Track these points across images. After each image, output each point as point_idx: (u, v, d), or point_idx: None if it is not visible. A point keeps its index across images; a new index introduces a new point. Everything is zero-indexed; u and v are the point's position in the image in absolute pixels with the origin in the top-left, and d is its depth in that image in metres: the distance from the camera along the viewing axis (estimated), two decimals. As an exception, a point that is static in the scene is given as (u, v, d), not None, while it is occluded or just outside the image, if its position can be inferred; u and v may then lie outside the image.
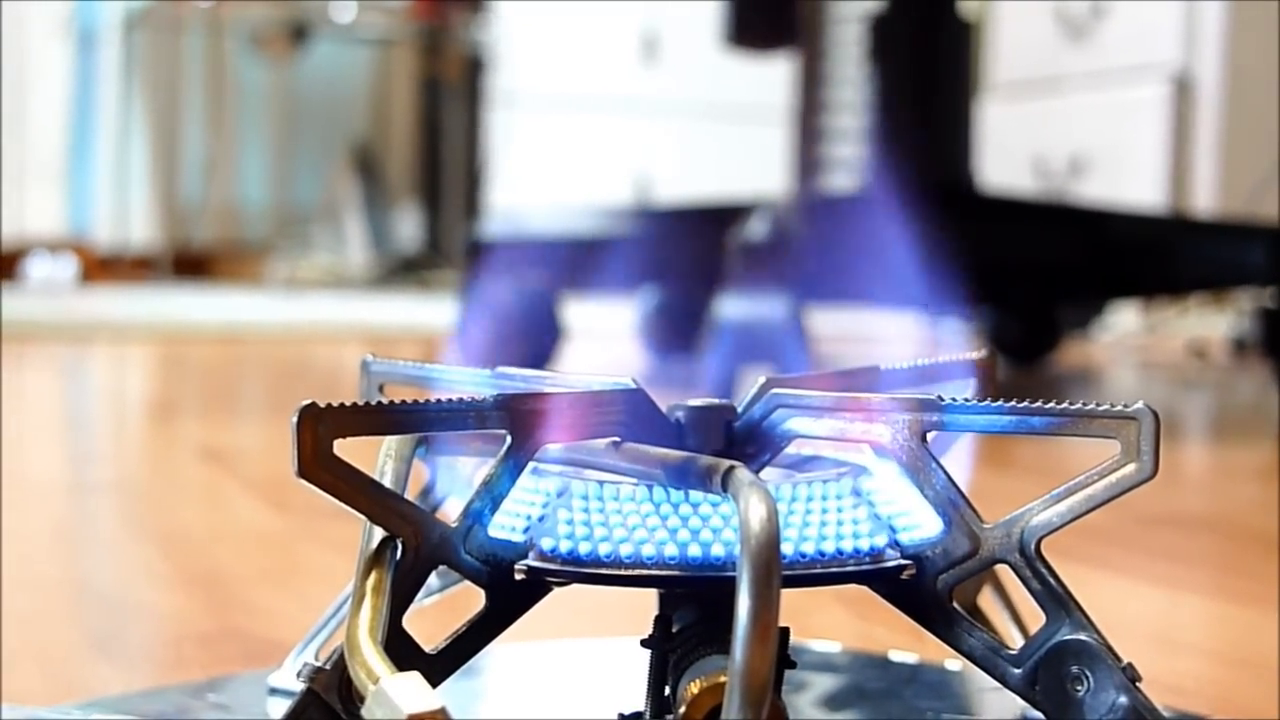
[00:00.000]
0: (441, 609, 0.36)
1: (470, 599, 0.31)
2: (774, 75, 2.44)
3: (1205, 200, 2.51)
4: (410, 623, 0.30)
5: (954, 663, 0.45)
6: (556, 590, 0.31)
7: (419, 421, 0.30)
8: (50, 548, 0.79)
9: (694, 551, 0.30)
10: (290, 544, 0.78)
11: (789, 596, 0.27)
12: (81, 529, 0.86)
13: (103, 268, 4.30)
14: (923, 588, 0.32)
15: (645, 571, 0.30)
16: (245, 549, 0.78)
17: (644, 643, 0.31)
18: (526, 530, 0.31)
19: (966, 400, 0.32)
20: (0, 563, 0.70)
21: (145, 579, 0.71)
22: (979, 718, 0.43)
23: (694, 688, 0.28)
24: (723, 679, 0.28)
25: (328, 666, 0.29)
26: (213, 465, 1.10)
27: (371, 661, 0.27)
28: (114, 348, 2.37)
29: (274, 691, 0.40)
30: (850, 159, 1.74)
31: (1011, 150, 2.72)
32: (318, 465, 0.29)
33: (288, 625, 0.59)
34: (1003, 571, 0.33)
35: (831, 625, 0.59)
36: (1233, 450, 1.40)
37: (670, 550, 0.30)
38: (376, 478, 0.31)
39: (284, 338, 2.61)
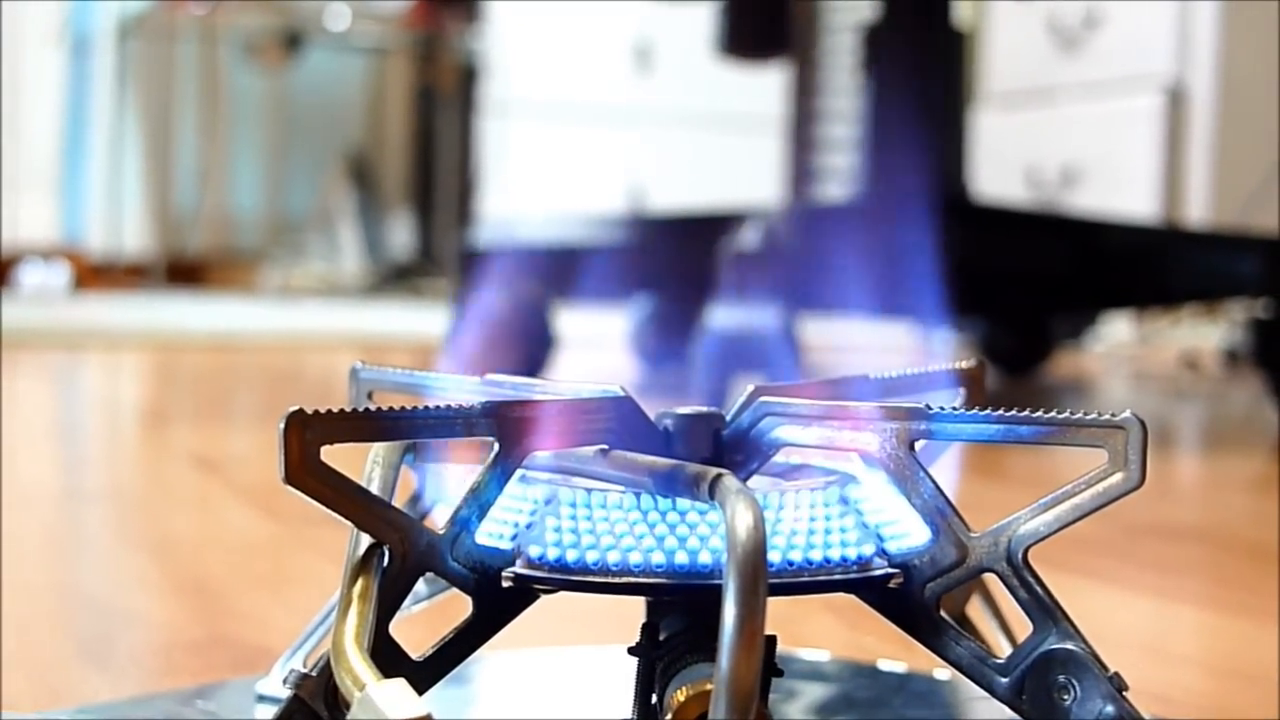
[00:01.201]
0: (431, 616, 0.36)
1: (460, 607, 0.31)
2: (767, 84, 2.45)
3: (1198, 211, 2.52)
4: (399, 630, 0.30)
5: (942, 672, 0.45)
6: (544, 598, 0.31)
7: (407, 428, 0.30)
8: (41, 555, 0.78)
9: (681, 559, 0.30)
10: (281, 551, 0.78)
11: (777, 605, 0.28)
12: (73, 536, 0.86)
13: (96, 275, 4.30)
14: (910, 596, 0.32)
15: (632, 579, 0.30)
16: (236, 556, 0.78)
17: (631, 650, 0.31)
18: (514, 538, 0.31)
19: (955, 409, 0.32)
20: (-10, 570, 0.70)
21: (135, 586, 0.71)
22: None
23: (680, 695, 0.28)
24: (709, 686, 0.28)
25: (314, 673, 0.29)
26: (204, 473, 1.10)
27: (357, 668, 0.27)
28: (107, 355, 2.37)
29: (262, 698, 0.40)
30: (843, 168, 1.74)
31: (1004, 160, 2.73)
32: (305, 471, 0.29)
33: (277, 632, 0.59)
34: (991, 580, 0.33)
35: (821, 634, 0.59)
36: (1225, 461, 1.40)
37: (657, 558, 0.30)
38: (364, 484, 0.31)
39: (277, 345, 2.61)
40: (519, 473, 0.31)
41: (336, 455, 0.30)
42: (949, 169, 1.68)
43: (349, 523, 0.30)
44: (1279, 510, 1.06)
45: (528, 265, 1.78)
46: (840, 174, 1.75)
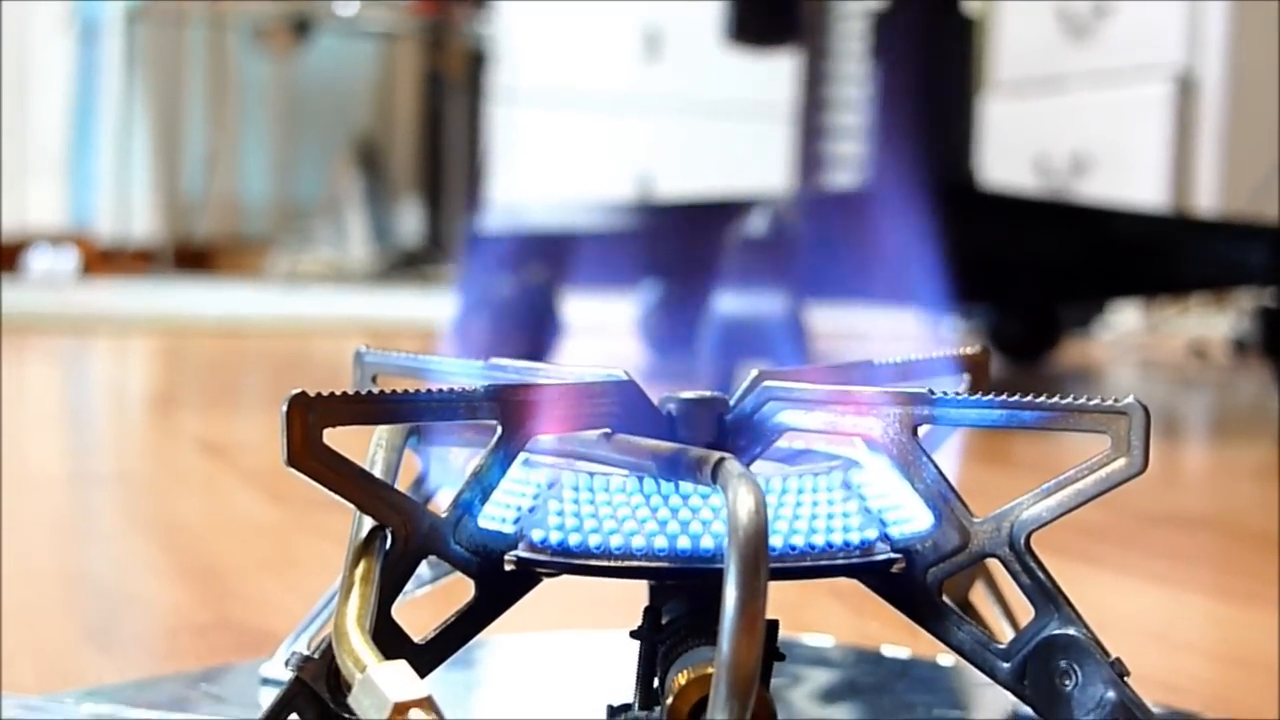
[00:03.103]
0: (434, 600, 0.36)
1: (463, 591, 0.31)
2: (776, 72, 2.44)
3: (1207, 200, 2.51)
4: (402, 614, 0.30)
5: (946, 658, 0.45)
6: (546, 581, 0.31)
7: (409, 411, 0.30)
8: (48, 539, 0.79)
9: (683, 543, 0.30)
10: (287, 535, 0.78)
11: (781, 590, 0.27)
12: (80, 521, 0.86)
13: (104, 260, 4.30)
14: (912, 581, 0.32)
15: (635, 563, 0.30)
16: (242, 541, 0.78)
17: (633, 634, 0.31)
18: (517, 521, 0.31)
19: (958, 394, 0.32)
20: (-3, 553, 0.70)
21: (142, 570, 0.71)
22: (970, 714, 0.43)
23: (681, 679, 0.28)
24: (710, 670, 0.28)
25: (316, 655, 0.29)
26: (211, 458, 1.10)
27: (359, 650, 0.27)
28: (115, 340, 2.37)
29: (266, 681, 0.40)
30: (852, 156, 1.74)
31: (1013, 148, 2.72)
32: (307, 454, 0.29)
33: (282, 616, 0.59)
34: (994, 566, 0.33)
35: (825, 619, 0.59)
36: (1232, 450, 1.40)
37: (660, 542, 0.30)
38: (367, 467, 0.31)
39: (284, 331, 2.61)
40: (522, 456, 0.31)
41: (342, 439, 0.30)
42: (957, 157, 1.68)
43: (351, 505, 0.30)
44: (1286, 499, 1.06)
45: (536, 251, 1.78)
46: (849, 161, 1.75)
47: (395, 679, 0.25)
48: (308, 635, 0.38)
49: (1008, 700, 0.34)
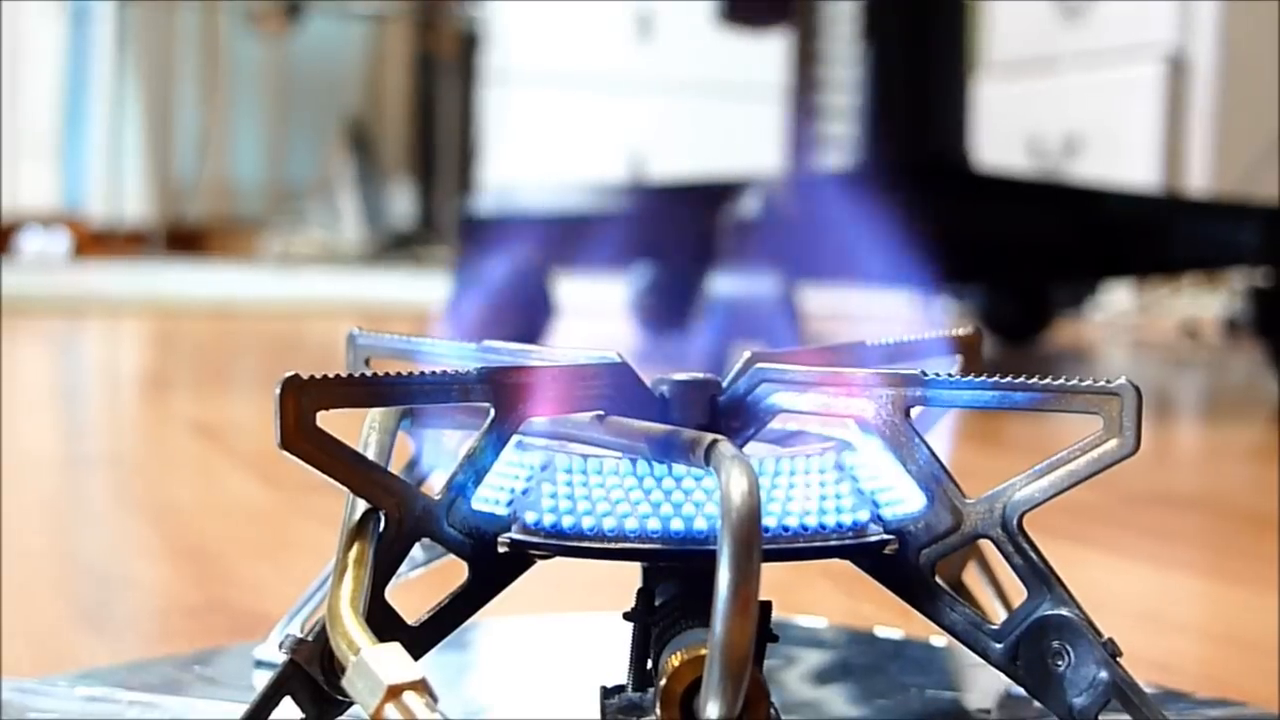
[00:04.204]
0: (428, 583, 0.36)
1: (457, 573, 0.31)
2: (769, 53, 2.44)
3: (1199, 180, 2.51)
4: (396, 597, 0.30)
5: (939, 638, 0.45)
6: (540, 563, 0.31)
7: (402, 394, 0.30)
8: (41, 521, 0.79)
9: (676, 525, 0.30)
10: (280, 518, 0.78)
11: (775, 571, 0.28)
12: (73, 503, 0.86)
13: (96, 242, 4.29)
14: (905, 562, 0.32)
15: (628, 545, 0.30)
16: (235, 523, 0.78)
17: (626, 616, 0.31)
18: (510, 503, 0.31)
19: (950, 375, 0.32)
20: (-10, 536, 0.70)
21: (135, 552, 0.71)
22: (963, 694, 0.43)
23: (675, 660, 0.28)
24: (703, 651, 0.28)
25: (310, 638, 0.29)
26: (204, 440, 1.10)
27: (353, 633, 0.27)
28: (107, 322, 2.37)
29: (259, 664, 0.40)
30: (844, 137, 1.74)
31: (1006, 129, 2.72)
32: (300, 436, 0.29)
33: (275, 599, 0.59)
34: (987, 547, 0.33)
35: (818, 601, 0.59)
36: (1224, 430, 1.40)
37: (653, 524, 0.30)
38: (360, 450, 0.31)
39: (277, 313, 2.61)
40: (515, 439, 0.31)
41: (335, 422, 0.29)
42: (950, 138, 1.68)
43: (344, 488, 0.30)
44: (1278, 479, 1.06)
45: (528, 233, 1.78)
46: (842, 142, 1.75)
47: (389, 661, 0.25)
48: (301, 618, 0.38)
49: (1001, 681, 0.34)
